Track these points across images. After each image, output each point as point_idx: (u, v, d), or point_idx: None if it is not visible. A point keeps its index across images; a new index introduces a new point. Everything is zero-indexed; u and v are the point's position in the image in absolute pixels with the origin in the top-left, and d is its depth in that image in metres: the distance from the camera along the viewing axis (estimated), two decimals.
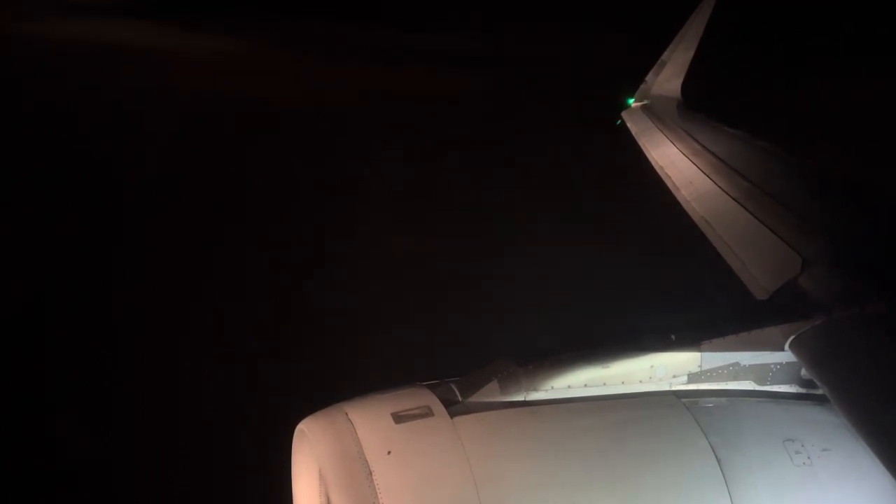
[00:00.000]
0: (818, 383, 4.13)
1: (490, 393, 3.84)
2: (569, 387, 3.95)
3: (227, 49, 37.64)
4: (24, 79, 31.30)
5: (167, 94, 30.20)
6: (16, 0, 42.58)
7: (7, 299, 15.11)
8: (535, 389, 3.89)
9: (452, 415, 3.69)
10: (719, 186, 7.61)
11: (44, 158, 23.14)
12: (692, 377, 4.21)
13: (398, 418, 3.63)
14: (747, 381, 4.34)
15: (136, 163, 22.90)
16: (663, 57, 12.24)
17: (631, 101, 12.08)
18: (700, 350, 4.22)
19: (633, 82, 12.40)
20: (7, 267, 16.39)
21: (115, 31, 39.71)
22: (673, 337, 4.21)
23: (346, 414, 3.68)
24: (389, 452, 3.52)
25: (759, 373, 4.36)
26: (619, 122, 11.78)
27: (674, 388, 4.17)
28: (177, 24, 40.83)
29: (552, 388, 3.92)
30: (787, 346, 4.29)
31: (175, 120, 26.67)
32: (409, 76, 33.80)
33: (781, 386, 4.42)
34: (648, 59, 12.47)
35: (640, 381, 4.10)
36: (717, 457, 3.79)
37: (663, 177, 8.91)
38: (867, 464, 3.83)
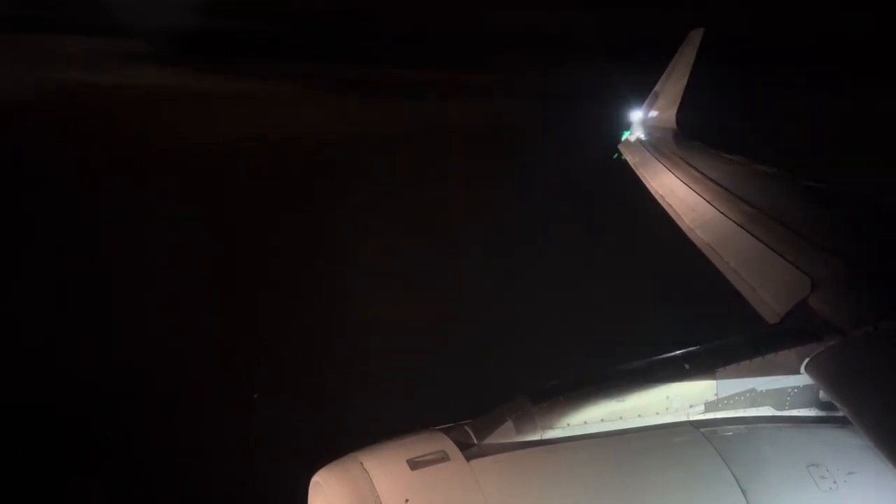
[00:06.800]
0: (837, 405, 4.06)
1: (505, 434, 3.78)
2: (585, 423, 3.89)
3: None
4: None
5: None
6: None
7: None
8: (552, 427, 3.83)
9: (469, 458, 3.62)
10: (722, 212, 7.60)
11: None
12: (709, 406, 4.15)
13: (414, 464, 3.56)
14: (765, 407, 4.28)
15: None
16: (656, 88, 12.40)
17: (627, 132, 12.18)
18: (715, 378, 4.16)
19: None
20: None
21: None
22: (687, 366, 4.16)
23: (361, 463, 3.61)
24: (407, 500, 3.45)
25: (776, 397, 4.29)
26: (616, 154, 11.85)
27: (692, 419, 4.09)
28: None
29: (568, 425, 3.86)
30: (802, 369, 4.22)
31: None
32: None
33: (801, 410, 4.35)
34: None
35: (657, 413, 4.04)
36: (741, 488, 3.70)
37: (664, 205, 8.92)
38: (895, 485, 3.74)
